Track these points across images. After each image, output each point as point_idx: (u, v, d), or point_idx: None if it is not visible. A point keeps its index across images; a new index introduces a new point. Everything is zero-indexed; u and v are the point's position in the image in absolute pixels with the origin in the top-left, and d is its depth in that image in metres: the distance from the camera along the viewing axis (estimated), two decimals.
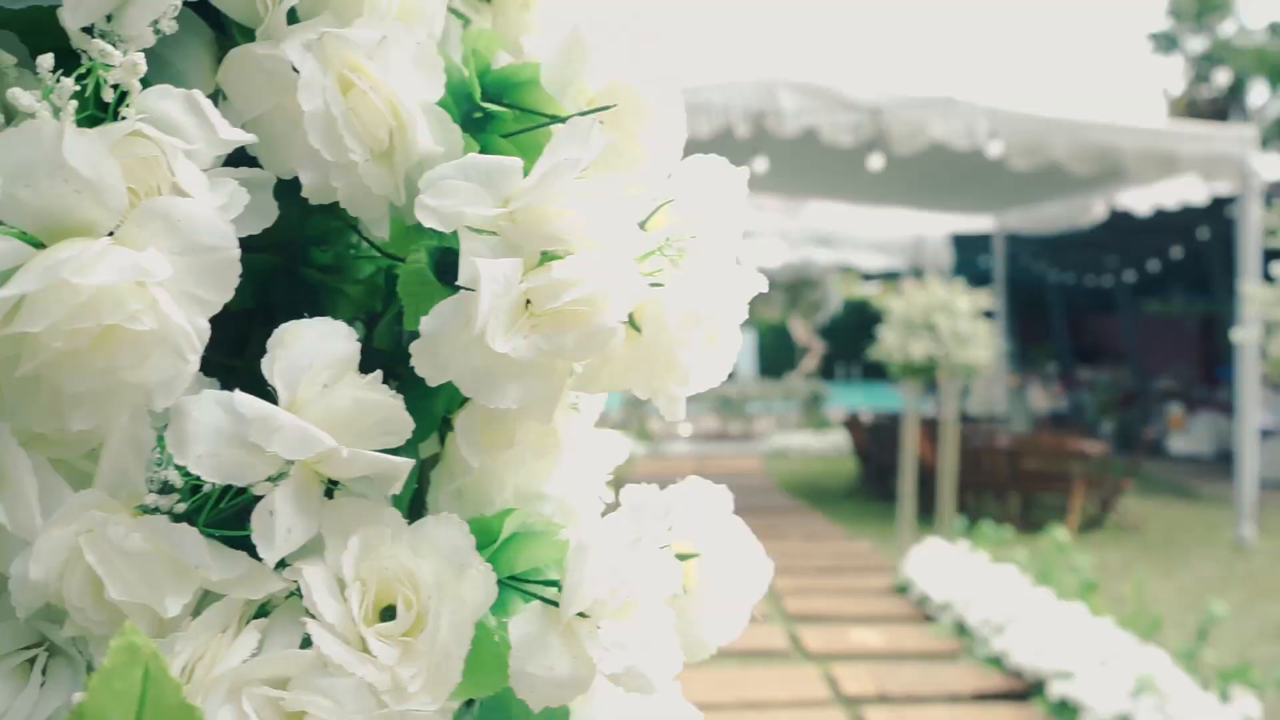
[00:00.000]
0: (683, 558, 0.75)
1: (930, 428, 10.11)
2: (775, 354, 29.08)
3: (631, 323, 0.58)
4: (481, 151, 0.60)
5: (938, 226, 16.50)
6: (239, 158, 0.60)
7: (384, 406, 0.53)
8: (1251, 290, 4.04)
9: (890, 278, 19.80)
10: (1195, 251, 15.27)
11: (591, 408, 0.74)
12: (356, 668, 0.50)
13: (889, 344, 7.72)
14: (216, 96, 0.58)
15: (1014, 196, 13.27)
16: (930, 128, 9.06)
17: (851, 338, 19.67)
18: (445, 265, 0.57)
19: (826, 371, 22.64)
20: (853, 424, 12.83)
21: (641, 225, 0.63)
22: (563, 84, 0.61)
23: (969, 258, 20.93)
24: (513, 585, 0.59)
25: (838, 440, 16.22)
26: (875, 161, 8.91)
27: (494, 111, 0.62)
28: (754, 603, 0.76)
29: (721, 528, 0.75)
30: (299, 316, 0.60)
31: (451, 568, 0.53)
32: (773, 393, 18.88)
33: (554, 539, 0.58)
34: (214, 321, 0.65)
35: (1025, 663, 5.58)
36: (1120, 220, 14.25)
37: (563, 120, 0.61)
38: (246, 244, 0.64)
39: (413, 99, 0.56)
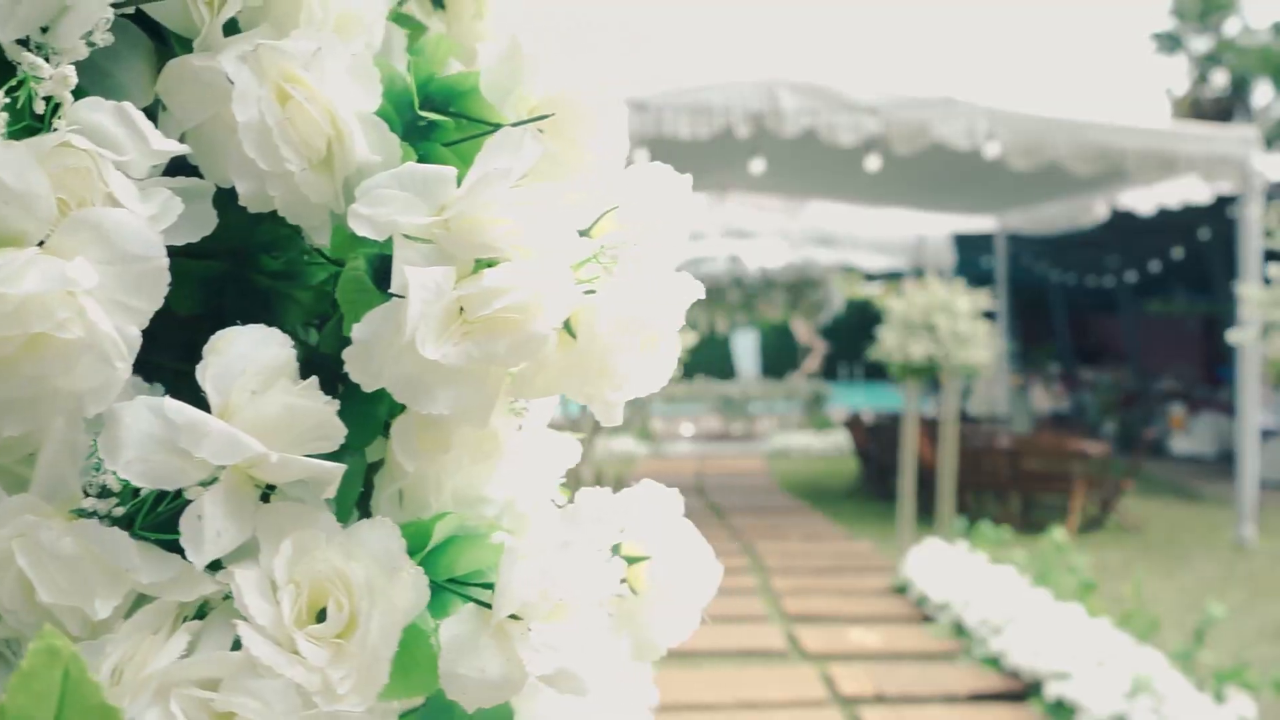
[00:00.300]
0: (633, 561, 0.76)
1: (931, 428, 10.11)
2: (777, 354, 29.06)
3: (568, 329, 0.59)
4: (424, 160, 0.61)
5: (939, 227, 16.49)
6: (183, 167, 0.61)
7: (316, 413, 0.53)
8: (1248, 291, 4.04)
9: (892, 278, 19.79)
10: (1197, 251, 15.26)
11: (542, 411, 0.74)
12: (286, 669, 0.51)
13: (889, 344, 7.72)
14: (157, 106, 0.58)
15: (1015, 197, 13.27)
16: (931, 128, 9.07)
17: (853, 338, 19.65)
18: (383, 272, 0.58)
19: (829, 372, 22.64)
20: (854, 424, 12.84)
21: (585, 233, 0.64)
22: (503, 92, 0.61)
23: (971, 258, 20.91)
24: (452, 588, 0.59)
25: (839, 440, 16.23)
26: (872, 162, 8.91)
27: (436, 120, 0.63)
28: (704, 605, 0.77)
29: (672, 531, 0.75)
30: (250, 322, 0.61)
31: (383, 570, 0.54)
32: (775, 393, 18.89)
33: (491, 542, 0.59)
34: (164, 327, 0.66)
35: (1022, 663, 5.59)
36: (1122, 220, 14.24)
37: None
38: (195, 250, 0.65)
39: (349, 109, 0.56)
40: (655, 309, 0.60)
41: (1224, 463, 13.19)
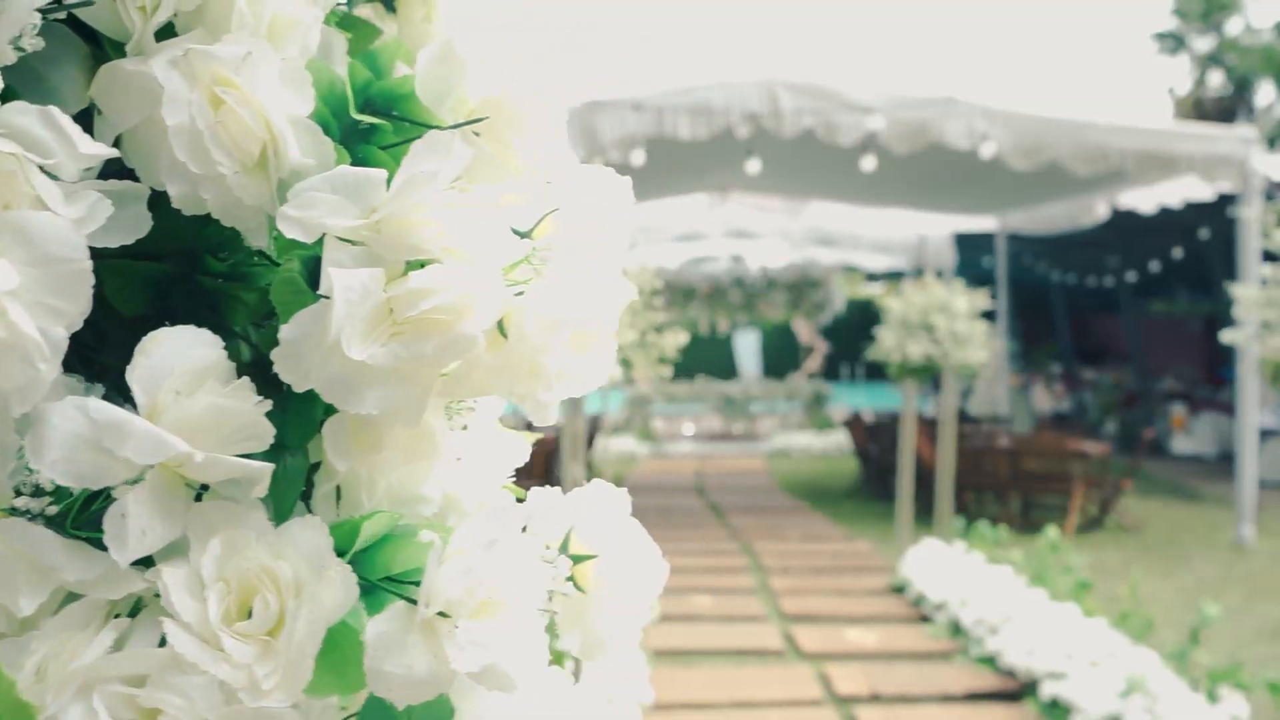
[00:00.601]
0: (579, 559, 0.76)
1: (931, 428, 10.11)
2: (779, 354, 29.05)
3: (502, 330, 0.60)
4: (362, 164, 0.61)
5: (940, 227, 16.49)
6: (124, 170, 0.61)
7: (243, 413, 0.54)
8: (1241, 292, 4.04)
9: (894, 278, 19.80)
10: (1199, 251, 15.25)
11: (489, 410, 0.75)
12: (210, 666, 0.51)
13: (887, 344, 7.73)
14: (93, 110, 0.59)
15: (1016, 197, 13.27)
16: (930, 128, 9.07)
17: (855, 338, 19.64)
18: (317, 274, 0.59)
19: (830, 371, 22.63)
20: (854, 424, 12.83)
21: (526, 235, 0.64)
22: (438, 96, 0.62)
23: (972, 258, 20.89)
24: (387, 587, 0.60)
25: (840, 440, 16.23)
26: (869, 162, 8.91)
27: (375, 124, 0.63)
28: (650, 602, 0.77)
29: (620, 531, 0.76)
30: (197, 323, 0.62)
31: (311, 569, 0.54)
32: (776, 393, 18.89)
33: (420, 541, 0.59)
34: (112, 327, 0.67)
35: (1018, 663, 5.59)
36: (1124, 220, 14.22)
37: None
38: (142, 252, 0.65)
39: (281, 113, 0.57)
40: (586, 310, 0.61)
41: (1225, 463, 13.17)
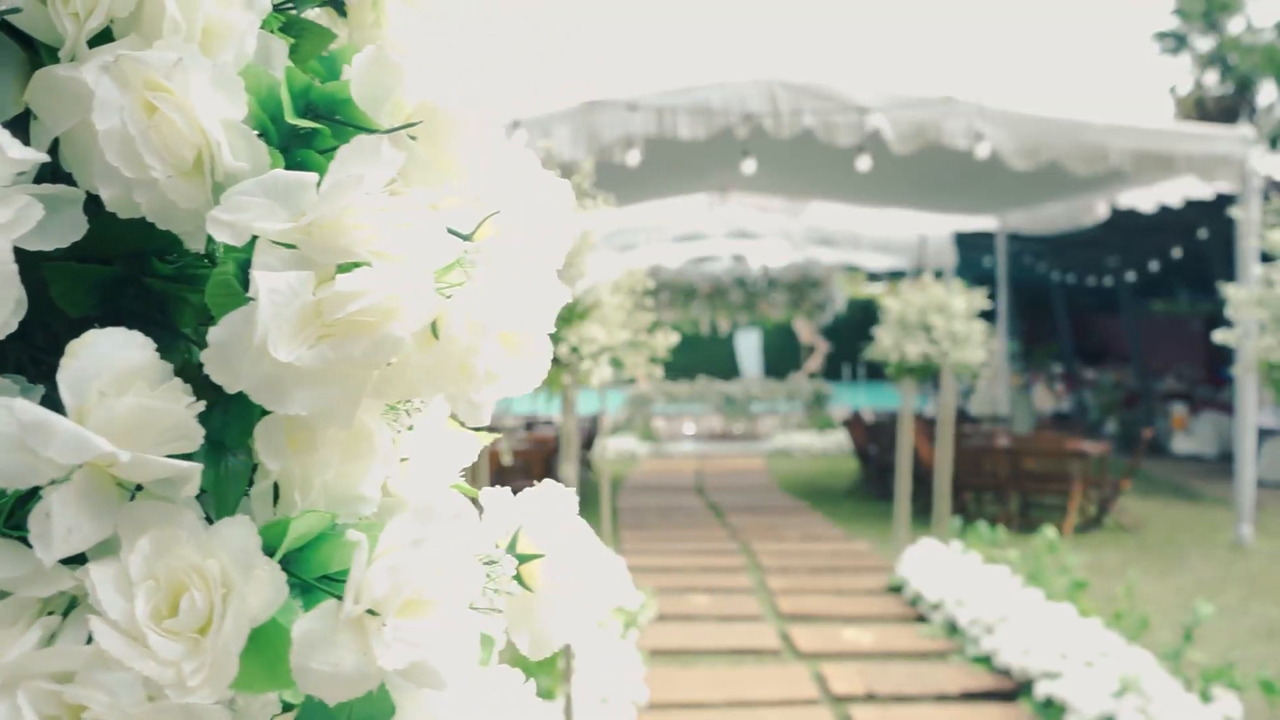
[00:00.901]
0: (525, 559, 0.77)
1: (931, 428, 10.11)
2: (780, 354, 29.04)
3: (435, 332, 0.60)
4: (300, 167, 0.62)
5: (941, 226, 16.49)
6: (65, 175, 0.62)
7: (171, 414, 0.55)
8: (1233, 292, 4.04)
9: (896, 277, 19.80)
10: (1199, 251, 15.24)
11: (438, 410, 0.76)
12: (135, 663, 0.52)
13: (885, 344, 7.73)
14: (29, 114, 0.60)
15: (1016, 197, 13.27)
16: (930, 128, 9.07)
17: (856, 338, 19.65)
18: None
19: (832, 371, 22.63)
20: (853, 423, 12.83)
21: (467, 238, 0.65)
22: (374, 101, 0.63)
23: (973, 258, 20.87)
24: (322, 586, 0.61)
25: (841, 440, 16.23)
26: (864, 162, 8.91)
27: (316, 128, 0.64)
28: (603, 603, 0.78)
29: (567, 531, 0.77)
30: (144, 325, 0.62)
31: (239, 567, 0.55)
32: (777, 392, 18.89)
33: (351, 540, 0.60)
34: (63, 329, 0.67)
35: (1013, 662, 5.60)
36: (1124, 220, 14.21)
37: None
38: (89, 254, 0.66)
39: (213, 117, 0.58)
40: (516, 313, 0.61)
41: (1225, 463, 13.16)
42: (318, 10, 0.78)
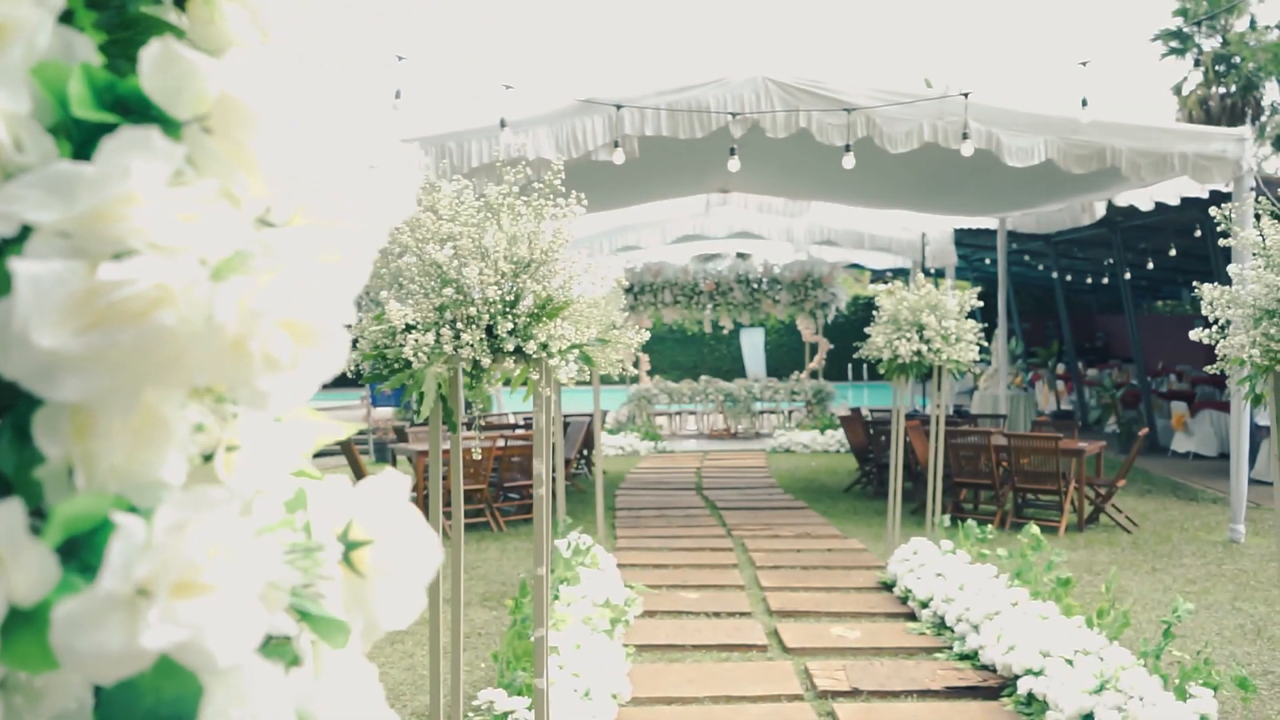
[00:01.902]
0: (354, 545, 0.79)
1: (927, 426, 10.10)
2: (782, 352, 29.04)
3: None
4: None
5: (942, 226, 16.49)
6: None
7: None
8: (1204, 290, 4.04)
9: (901, 275, 19.79)
10: (1200, 250, 15.21)
11: (292, 400, 0.77)
12: None
13: (878, 342, 7.74)
14: None
15: (1016, 197, 13.25)
16: (925, 127, 9.07)
17: (858, 336, 19.68)
18: None
19: (835, 370, 22.63)
20: (851, 422, 12.82)
21: (269, 225, 0.67)
22: (170, 93, 0.64)
23: (975, 258, 20.87)
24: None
25: (842, 438, 16.23)
26: (848, 161, 8.90)
27: (112, 122, 0.65)
28: (424, 584, 0.79)
29: (396, 517, 0.78)
30: None
31: (7, 548, 0.56)
32: (779, 391, 18.89)
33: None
34: None
35: (997, 659, 5.61)
36: (1124, 219, 14.20)
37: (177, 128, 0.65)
38: None
39: None
40: (302, 301, 0.63)
41: (1225, 462, 13.12)
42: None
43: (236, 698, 0.68)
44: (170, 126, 0.67)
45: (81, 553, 0.62)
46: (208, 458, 0.71)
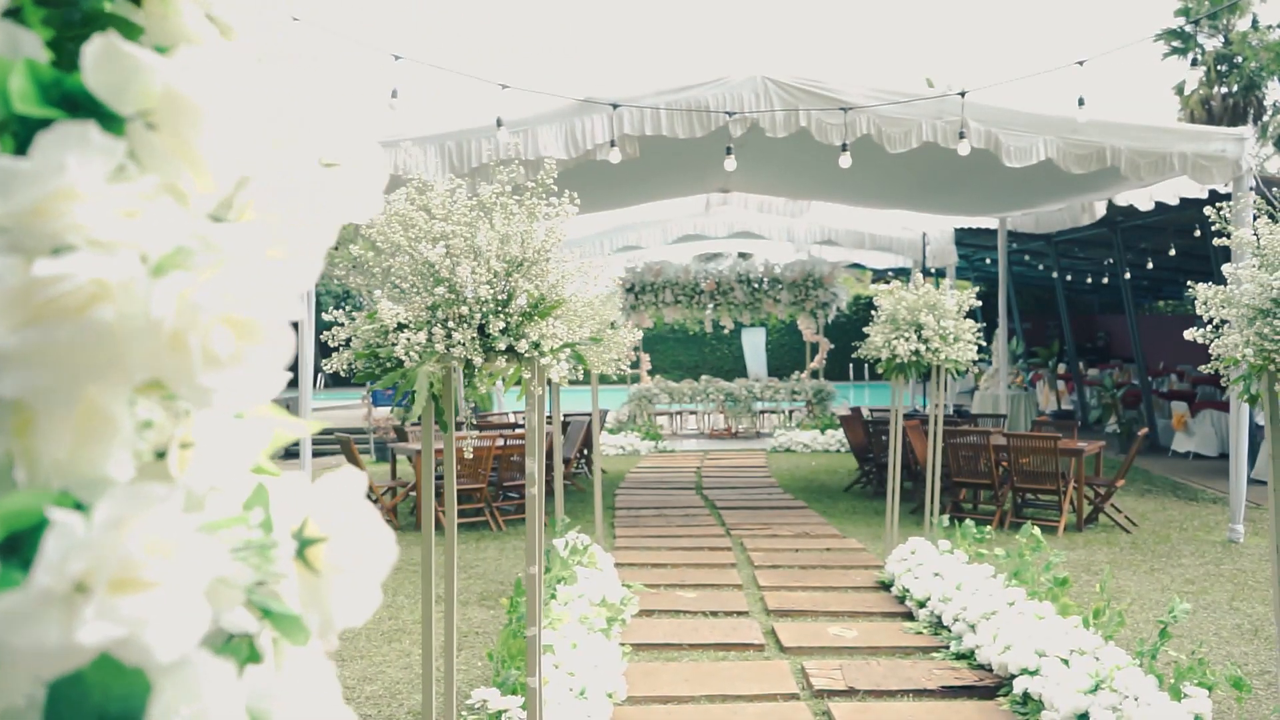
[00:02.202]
0: (309, 543, 0.78)
1: (926, 426, 10.10)
2: (783, 352, 29.04)
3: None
4: None
5: (943, 226, 16.48)
6: None
7: None
8: (1199, 289, 4.04)
9: (900, 275, 19.78)
10: (1200, 250, 15.19)
11: (240, 397, 0.77)
12: None
13: (876, 342, 7.74)
14: None
15: (1016, 197, 13.25)
16: (924, 126, 9.06)
17: (859, 336, 19.68)
18: None
19: (836, 370, 22.62)
20: (851, 421, 12.81)
21: (219, 220, 0.66)
22: (114, 89, 0.64)
23: (975, 257, 20.85)
24: None
25: (842, 438, 16.23)
26: (845, 160, 8.89)
27: (53, 117, 0.65)
28: (379, 580, 0.79)
29: (352, 514, 0.78)
30: None
31: None
32: (779, 390, 18.89)
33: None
34: None
35: (993, 659, 5.60)
36: (1124, 219, 14.19)
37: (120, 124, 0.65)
38: None
39: None
40: (244, 296, 0.63)
41: (1225, 461, 13.12)
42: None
43: (186, 694, 0.68)
44: (114, 122, 0.67)
45: (23, 549, 0.62)
46: (161, 454, 0.71)
